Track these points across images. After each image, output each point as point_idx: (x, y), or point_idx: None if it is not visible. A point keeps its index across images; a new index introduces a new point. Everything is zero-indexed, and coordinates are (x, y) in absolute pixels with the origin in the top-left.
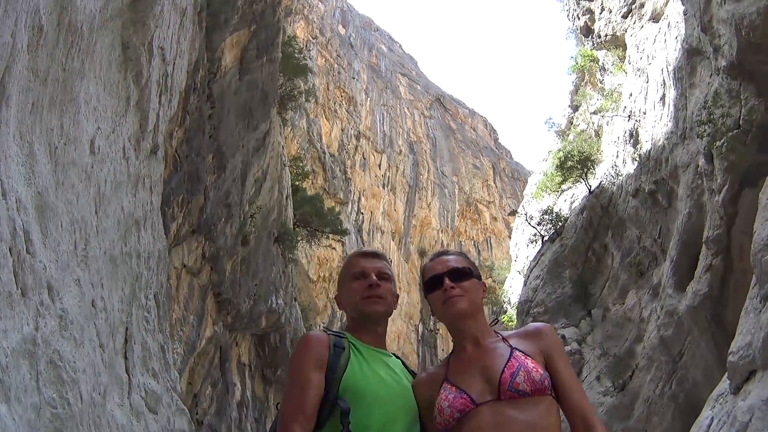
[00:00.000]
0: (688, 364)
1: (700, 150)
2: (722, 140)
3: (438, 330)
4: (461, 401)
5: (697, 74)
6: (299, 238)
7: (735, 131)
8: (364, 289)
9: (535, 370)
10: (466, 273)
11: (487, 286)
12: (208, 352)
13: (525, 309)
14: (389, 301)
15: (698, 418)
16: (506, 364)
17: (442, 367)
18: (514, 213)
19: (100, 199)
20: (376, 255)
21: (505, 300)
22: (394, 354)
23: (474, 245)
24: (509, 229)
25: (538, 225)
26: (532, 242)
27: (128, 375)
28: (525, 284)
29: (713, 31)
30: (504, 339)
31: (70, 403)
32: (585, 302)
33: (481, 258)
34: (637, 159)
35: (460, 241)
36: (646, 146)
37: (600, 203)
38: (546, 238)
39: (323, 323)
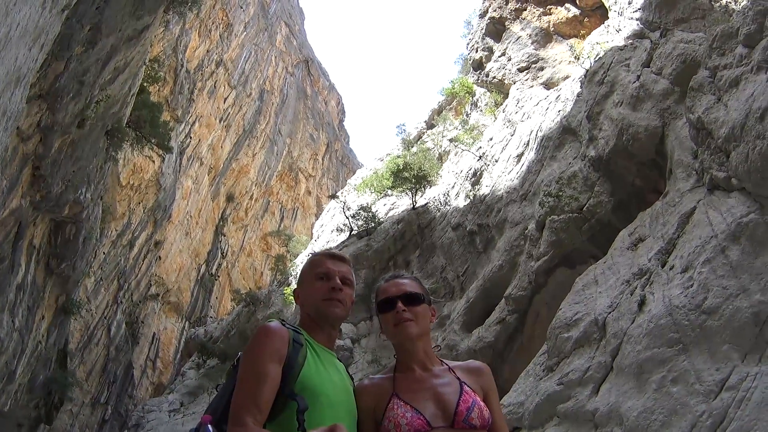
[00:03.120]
0: None
1: (535, 216)
2: (560, 217)
3: (218, 277)
4: (419, 422)
5: (563, 150)
6: (126, 139)
7: (575, 215)
8: (327, 290)
9: (485, 408)
10: (418, 298)
11: (436, 311)
12: (7, 224)
13: None
14: (348, 306)
15: None
16: (460, 397)
17: (388, 381)
18: (334, 197)
19: (2, 45)
20: (342, 259)
21: (293, 273)
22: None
23: (280, 210)
24: (319, 207)
25: (352, 217)
26: (339, 231)
27: None
28: None
29: (598, 122)
30: (450, 369)
31: None
32: (370, 306)
33: (283, 225)
34: (471, 198)
35: (269, 200)
36: (484, 190)
37: (419, 222)
38: (354, 232)
39: (117, 230)
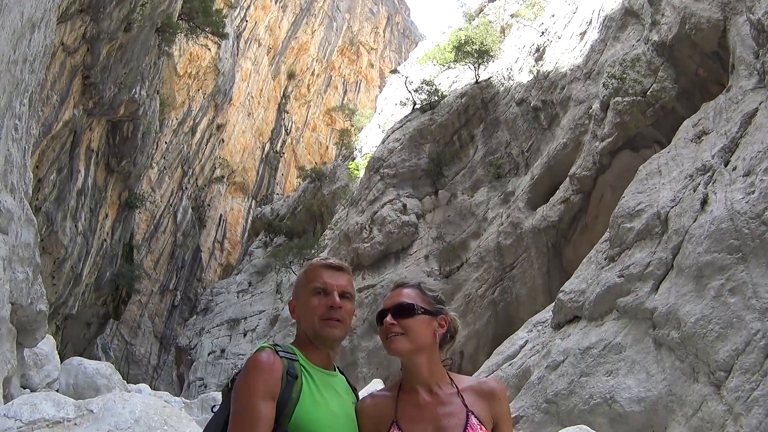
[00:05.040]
0: (516, 278)
1: (599, 96)
2: (624, 99)
3: (283, 154)
4: None
5: (626, 32)
6: (179, 32)
7: (639, 98)
8: (325, 309)
9: None
10: (409, 310)
11: (447, 322)
12: (62, 135)
13: (376, 166)
14: (348, 323)
15: (514, 334)
16: None
17: (390, 402)
18: (395, 71)
19: None
20: (340, 269)
21: (357, 147)
22: (338, 368)
23: (343, 84)
24: (382, 79)
25: (414, 91)
26: (402, 104)
27: None
28: (383, 142)
29: (660, 8)
30: (458, 392)
31: None
32: (435, 181)
33: (347, 99)
34: (534, 73)
35: (331, 75)
36: (547, 66)
37: (482, 96)
38: (417, 106)
39: (177, 119)
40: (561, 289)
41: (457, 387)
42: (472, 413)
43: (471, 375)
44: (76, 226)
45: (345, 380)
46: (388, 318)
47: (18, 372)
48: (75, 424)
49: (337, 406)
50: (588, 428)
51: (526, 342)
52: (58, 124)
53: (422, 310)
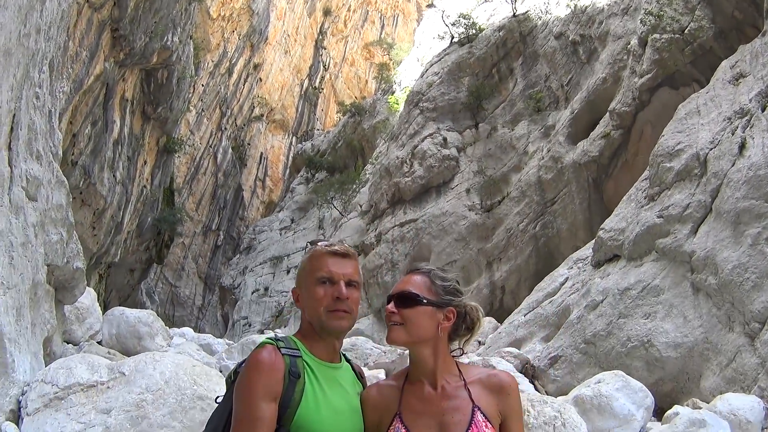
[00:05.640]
0: (557, 213)
1: (637, 32)
2: (662, 36)
3: (322, 89)
4: None
5: None
6: None
7: (677, 36)
8: (331, 300)
9: None
10: (411, 299)
11: (454, 315)
12: (94, 89)
13: (415, 100)
14: (355, 314)
15: (554, 270)
16: (467, 431)
17: (395, 392)
18: (432, 5)
19: None
20: (346, 255)
21: (396, 81)
22: (344, 355)
23: (380, 18)
24: (420, 12)
25: (452, 24)
26: (440, 38)
27: (10, 167)
28: (421, 76)
29: None
30: (465, 384)
31: None
32: (475, 114)
33: (384, 33)
34: (572, 8)
35: (367, 10)
36: (584, 0)
37: (520, 29)
38: (455, 40)
39: (213, 61)
40: (601, 226)
41: (464, 379)
42: (478, 409)
43: (513, 311)
44: (114, 175)
45: (351, 369)
46: (390, 305)
47: (59, 329)
48: (108, 387)
49: (341, 401)
50: (623, 374)
51: (567, 279)
52: (89, 78)
53: (426, 300)
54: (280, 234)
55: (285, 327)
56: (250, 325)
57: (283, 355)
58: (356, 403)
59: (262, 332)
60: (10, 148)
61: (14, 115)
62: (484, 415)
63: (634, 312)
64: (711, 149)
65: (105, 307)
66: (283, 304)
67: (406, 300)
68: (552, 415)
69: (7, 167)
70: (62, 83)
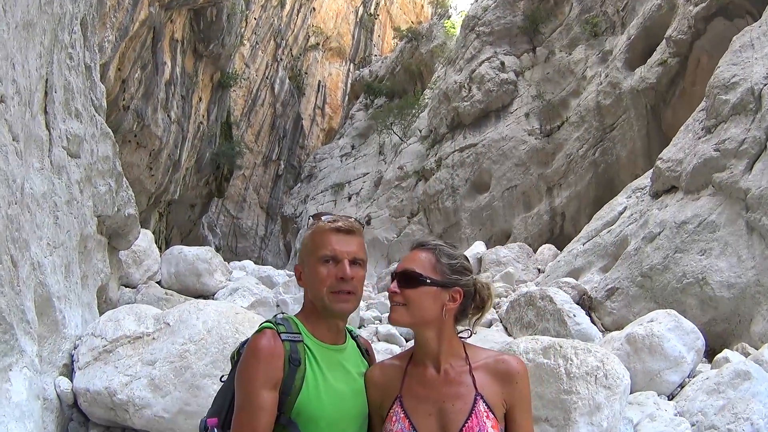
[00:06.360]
0: (616, 140)
1: None
2: None
3: (378, 15)
4: None
5: None
6: None
7: None
8: (335, 281)
9: None
10: (415, 279)
11: (462, 292)
12: (141, 35)
13: (471, 24)
14: (360, 293)
15: (613, 199)
16: (465, 421)
17: (398, 373)
18: None
19: None
20: (350, 232)
21: (452, 5)
22: (350, 332)
23: None
24: None
25: None
26: None
27: (49, 130)
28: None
29: None
30: (471, 370)
31: None
32: (532, 38)
33: None
34: None
35: None
36: None
37: None
38: None
39: None
40: (659, 156)
41: (470, 364)
42: (481, 397)
43: (573, 237)
44: (168, 115)
45: (357, 346)
46: (393, 285)
47: (115, 275)
48: (153, 338)
49: (343, 385)
50: (676, 313)
51: (625, 208)
52: (134, 25)
53: (430, 280)
54: (341, 161)
55: None
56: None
57: (283, 341)
58: (360, 385)
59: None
60: (46, 112)
61: (47, 80)
62: (486, 404)
63: (690, 247)
64: (765, 84)
65: (167, 245)
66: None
67: (409, 279)
68: (594, 365)
69: (45, 131)
70: (106, 33)
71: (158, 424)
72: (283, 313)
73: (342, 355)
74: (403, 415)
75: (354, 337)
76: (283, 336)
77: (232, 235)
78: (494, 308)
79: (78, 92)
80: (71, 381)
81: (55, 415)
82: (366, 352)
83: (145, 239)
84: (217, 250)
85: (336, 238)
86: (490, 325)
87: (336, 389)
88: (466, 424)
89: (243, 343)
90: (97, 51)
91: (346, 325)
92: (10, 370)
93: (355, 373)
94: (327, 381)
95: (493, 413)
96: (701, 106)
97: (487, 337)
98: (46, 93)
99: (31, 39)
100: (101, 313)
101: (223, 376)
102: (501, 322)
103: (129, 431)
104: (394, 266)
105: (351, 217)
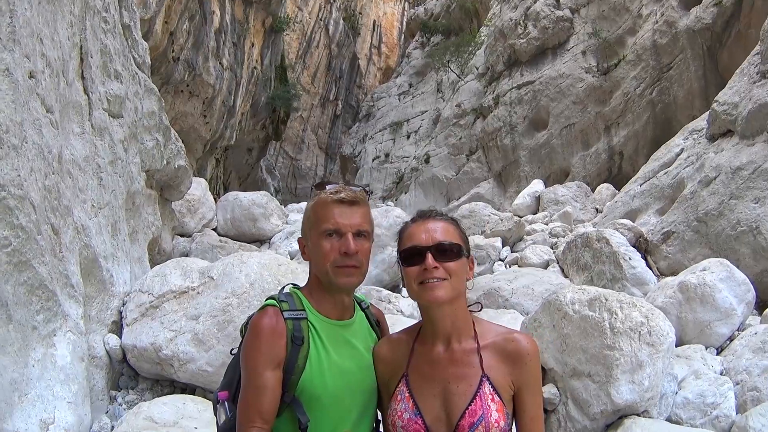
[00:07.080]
0: (673, 79)
1: None
2: None
3: None
4: (415, 427)
5: None
6: None
7: None
8: (339, 255)
9: (496, 426)
10: (454, 251)
11: (474, 264)
12: None
13: None
14: (365, 267)
15: (670, 140)
16: (469, 404)
17: (405, 349)
18: None
19: None
20: (354, 202)
21: None
22: (359, 304)
23: None
24: None
25: None
26: None
27: (87, 95)
28: None
29: None
30: (479, 348)
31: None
32: None
33: None
34: None
35: None
36: None
37: None
38: None
39: None
40: (715, 98)
41: (478, 342)
42: (487, 379)
43: (630, 177)
44: (220, 63)
45: (366, 318)
46: (430, 260)
47: (168, 226)
48: (198, 292)
49: (348, 362)
50: (728, 263)
51: (682, 150)
52: None
53: (463, 251)
54: (399, 99)
55: (406, 194)
56: (372, 192)
57: (285, 319)
58: (367, 360)
59: (383, 199)
60: (83, 78)
61: (81, 46)
62: (492, 386)
63: (744, 194)
64: None
65: (225, 190)
66: (403, 170)
67: (446, 252)
68: (639, 321)
69: (84, 96)
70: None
71: (203, 378)
72: (290, 284)
73: (348, 330)
74: (408, 395)
75: (364, 309)
76: (286, 314)
77: (291, 177)
78: (551, 249)
79: (116, 53)
80: (120, 338)
81: (105, 371)
82: (377, 323)
83: (199, 188)
84: (276, 192)
85: (339, 210)
86: (546, 266)
87: (341, 366)
88: (469, 408)
89: (250, 317)
90: (135, 9)
91: (357, 294)
92: (54, 335)
93: (362, 348)
94: (331, 359)
95: (499, 395)
96: (755, 50)
97: (543, 279)
98: (81, 59)
99: (58, 10)
100: (155, 265)
101: (233, 348)
102: (558, 263)
103: (177, 384)
104: (453, 204)
105: (357, 186)
